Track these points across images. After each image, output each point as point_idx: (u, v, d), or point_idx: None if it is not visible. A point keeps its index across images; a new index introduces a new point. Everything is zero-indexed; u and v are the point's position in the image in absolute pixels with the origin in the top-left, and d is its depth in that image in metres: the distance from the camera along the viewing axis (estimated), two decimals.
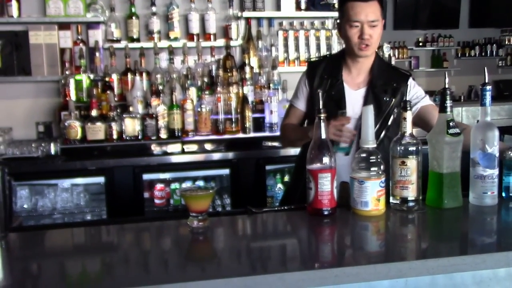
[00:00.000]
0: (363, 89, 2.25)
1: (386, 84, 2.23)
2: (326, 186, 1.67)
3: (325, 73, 2.27)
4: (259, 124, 3.62)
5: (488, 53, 8.02)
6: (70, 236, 1.75)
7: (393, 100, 2.22)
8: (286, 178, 3.65)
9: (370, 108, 1.73)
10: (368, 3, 2.09)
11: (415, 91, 2.28)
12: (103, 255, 1.53)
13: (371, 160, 1.69)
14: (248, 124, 3.55)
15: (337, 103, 2.21)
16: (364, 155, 1.71)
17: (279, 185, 3.60)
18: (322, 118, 1.69)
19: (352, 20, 2.10)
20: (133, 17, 3.67)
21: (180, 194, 1.64)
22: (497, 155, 1.76)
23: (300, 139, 2.25)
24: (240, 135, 3.55)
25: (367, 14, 2.08)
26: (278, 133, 3.54)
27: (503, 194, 1.81)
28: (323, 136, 1.69)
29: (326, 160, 1.68)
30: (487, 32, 8.02)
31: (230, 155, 3.41)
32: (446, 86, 1.75)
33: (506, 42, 8.12)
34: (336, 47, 3.94)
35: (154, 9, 3.69)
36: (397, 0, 7.58)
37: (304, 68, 3.84)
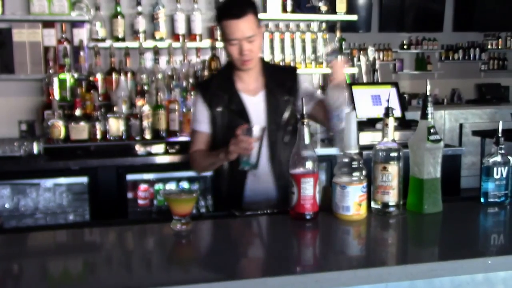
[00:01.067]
0: (261, 93, 2.27)
1: (279, 85, 2.27)
2: (309, 190, 1.69)
3: (219, 90, 2.26)
4: None
5: (471, 56, 8.11)
6: (51, 238, 1.74)
7: (290, 98, 2.27)
8: None
9: (353, 114, 1.75)
10: (242, 20, 2.07)
11: (305, 86, 2.33)
12: (84, 257, 1.53)
13: (353, 166, 1.71)
14: None
15: (239, 114, 2.22)
16: (346, 160, 1.72)
17: None
18: (304, 123, 1.71)
19: (230, 39, 2.11)
20: (119, 17, 3.65)
21: (164, 197, 1.65)
22: None
23: (214, 163, 2.22)
24: None
25: (242, 31, 2.08)
26: None
27: (482, 200, 1.85)
28: (306, 141, 1.71)
29: (309, 165, 1.70)
30: (470, 36, 8.11)
31: None
32: (428, 93, 1.77)
33: (489, 46, 8.22)
34: (322, 49, 3.96)
35: (139, 8, 3.68)
36: (382, 3, 7.63)
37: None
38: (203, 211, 3.42)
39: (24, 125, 3.68)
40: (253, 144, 1.97)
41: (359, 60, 4.25)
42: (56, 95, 3.50)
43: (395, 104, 3.80)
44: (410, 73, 8.11)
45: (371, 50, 4.27)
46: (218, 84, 2.29)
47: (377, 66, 4.19)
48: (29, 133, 3.66)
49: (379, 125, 3.57)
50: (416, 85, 7.87)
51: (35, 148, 3.32)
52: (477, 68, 8.25)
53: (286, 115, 2.26)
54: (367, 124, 3.59)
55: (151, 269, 1.42)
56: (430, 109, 1.77)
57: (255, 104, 2.25)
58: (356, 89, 3.78)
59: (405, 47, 8.05)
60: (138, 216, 3.40)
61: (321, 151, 3.55)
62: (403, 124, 3.60)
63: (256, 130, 1.99)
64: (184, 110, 3.46)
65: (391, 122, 1.75)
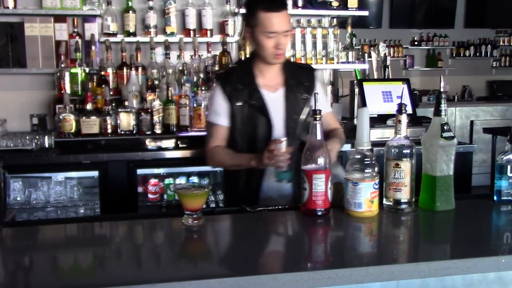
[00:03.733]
0: (281, 90, 2.28)
1: (299, 83, 2.29)
2: (321, 187, 1.68)
3: (239, 84, 2.25)
4: None
5: (483, 53, 8.05)
6: (62, 231, 1.75)
7: (308, 97, 2.28)
8: None
9: (366, 110, 1.75)
10: (282, 13, 2.10)
11: (319, 89, 2.33)
12: (95, 251, 1.54)
13: (365, 162, 1.70)
14: None
15: (259, 110, 2.23)
16: (358, 156, 1.72)
17: None
18: (317, 118, 1.71)
19: (268, 31, 2.10)
20: (130, 11, 3.65)
21: (175, 191, 1.66)
22: None
23: (240, 166, 2.20)
24: None
25: (282, 24, 2.11)
26: None
27: (495, 198, 1.84)
28: (318, 137, 1.70)
29: (321, 161, 1.69)
30: (482, 32, 8.05)
31: None
32: (442, 89, 1.76)
33: (501, 43, 8.16)
34: (332, 45, 3.94)
35: (151, 3, 3.68)
36: None
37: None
38: (213, 206, 3.42)
39: (35, 119, 3.70)
40: (287, 157, 1.98)
41: (370, 56, 4.23)
42: (68, 89, 3.52)
43: (406, 100, 3.78)
44: (421, 69, 8.06)
45: (382, 46, 4.24)
46: (238, 77, 2.27)
47: (388, 62, 4.17)
48: (40, 127, 3.68)
49: (390, 122, 3.56)
50: (427, 81, 7.82)
51: (47, 142, 3.33)
52: (489, 65, 8.19)
53: (304, 112, 2.27)
54: (377, 121, 3.58)
55: (161, 264, 1.43)
56: (443, 106, 1.76)
57: (275, 101, 2.25)
58: (367, 85, 3.77)
59: (416, 43, 8.00)
60: (148, 210, 3.41)
61: None
62: (414, 120, 3.58)
63: (289, 143, 2.01)
64: (194, 105, 3.46)
65: (404, 119, 1.74)
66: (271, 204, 2.02)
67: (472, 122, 6.64)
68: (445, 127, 1.73)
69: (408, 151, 1.73)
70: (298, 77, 2.31)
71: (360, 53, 4.41)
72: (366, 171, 1.69)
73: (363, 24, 6.68)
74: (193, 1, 3.74)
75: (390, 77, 4.17)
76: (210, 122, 2.32)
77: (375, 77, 4.14)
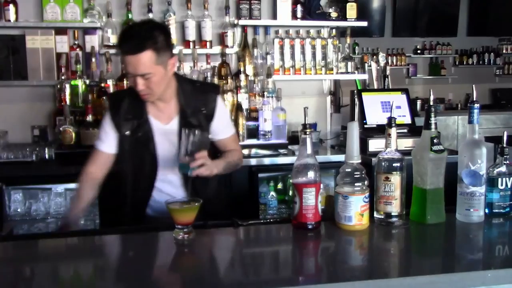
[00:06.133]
0: (175, 119, 2.18)
1: (196, 111, 2.17)
2: (311, 200, 1.69)
3: (128, 113, 2.17)
4: (252, 132, 3.64)
5: (486, 61, 8.06)
6: (55, 245, 1.77)
7: (206, 124, 2.21)
8: (280, 186, 3.68)
9: (355, 124, 1.76)
10: (137, 56, 1.96)
11: (220, 117, 2.25)
12: (86, 265, 1.55)
13: (355, 176, 1.71)
14: (242, 131, 3.57)
15: (144, 144, 2.17)
16: (348, 170, 1.73)
17: (272, 193, 3.62)
18: (307, 133, 1.72)
19: (126, 71, 2.05)
20: (130, 23, 3.68)
21: (166, 206, 1.67)
22: (483, 173, 1.78)
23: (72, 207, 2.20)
24: None
25: (135, 67, 1.99)
26: (272, 141, 3.60)
27: (486, 211, 1.83)
28: (309, 151, 1.71)
29: (311, 174, 1.70)
30: (485, 40, 8.06)
31: None
32: (431, 103, 1.77)
33: (504, 51, 8.16)
34: (332, 56, 3.96)
35: (150, 15, 3.71)
36: (396, 7, 7.61)
37: (298, 76, 3.89)
38: None
39: (37, 130, 3.73)
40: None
41: (370, 65, 4.25)
42: (68, 101, 3.55)
43: (405, 110, 3.79)
44: (424, 78, 8.07)
45: (381, 56, 4.25)
46: (130, 105, 2.18)
47: (387, 72, 4.18)
48: (41, 139, 3.71)
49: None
50: (429, 90, 7.82)
51: (47, 153, 3.36)
52: (492, 73, 8.19)
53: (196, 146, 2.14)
54: (376, 131, 3.58)
55: (150, 278, 1.44)
56: (433, 119, 1.77)
57: (166, 133, 2.18)
58: (365, 96, 3.78)
59: (418, 51, 8.01)
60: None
61: (330, 157, 3.56)
62: (413, 130, 3.58)
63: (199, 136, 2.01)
64: None
65: (394, 132, 1.75)
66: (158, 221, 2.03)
67: None
68: (435, 141, 1.74)
69: (398, 164, 1.73)
70: (196, 103, 2.19)
71: (360, 63, 4.43)
72: (356, 184, 1.70)
73: (365, 33, 6.71)
74: (192, 13, 3.77)
75: (390, 87, 4.18)
76: (94, 146, 2.28)
77: (375, 87, 4.16)
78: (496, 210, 1.83)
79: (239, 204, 3.45)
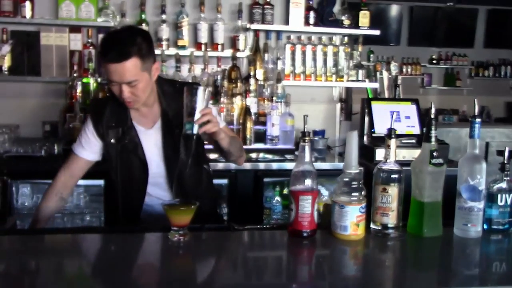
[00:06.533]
0: (158, 123, 2.17)
1: (178, 114, 2.04)
2: (307, 208, 1.69)
3: (112, 121, 2.15)
4: (260, 136, 3.65)
5: (502, 74, 7.98)
6: (50, 242, 1.80)
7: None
8: (285, 191, 3.68)
9: (354, 134, 1.76)
10: (122, 64, 1.92)
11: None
12: (71, 264, 1.58)
13: (352, 185, 1.71)
14: (249, 135, 3.58)
15: (132, 151, 2.15)
16: (346, 179, 1.73)
17: (277, 198, 3.63)
18: (306, 140, 1.72)
19: (109, 80, 1.99)
20: (143, 24, 3.72)
21: (162, 207, 1.68)
22: (482, 188, 1.77)
23: (38, 221, 2.15)
24: None
25: (121, 75, 1.94)
26: (279, 146, 3.61)
27: (485, 226, 1.82)
28: (307, 159, 1.72)
29: (308, 182, 1.71)
30: (502, 53, 7.98)
31: (229, 165, 3.44)
32: (432, 116, 1.77)
33: None
34: (343, 63, 3.96)
35: (164, 16, 3.75)
36: (412, 17, 7.58)
37: (308, 82, 3.89)
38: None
39: (48, 126, 3.78)
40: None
41: (381, 74, 4.23)
42: (78, 98, 3.59)
43: (414, 121, 3.77)
44: (438, 88, 8.01)
45: (393, 65, 4.25)
46: (112, 112, 2.16)
47: (399, 81, 4.16)
48: (52, 134, 3.75)
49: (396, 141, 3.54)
50: (444, 100, 7.77)
51: (56, 149, 3.40)
52: (508, 86, 8.11)
53: (182, 150, 2.17)
54: (384, 140, 3.55)
55: (143, 279, 1.45)
56: (433, 132, 1.76)
57: (151, 138, 2.17)
58: (375, 104, 3.77)
59: (434, 61, 7.96)
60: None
61: (337, 165, 3.55)
62: (422, 141, 3.55)
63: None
64: None
65: (393, 144, 1.75)
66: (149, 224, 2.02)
67: (487, 144, 6.56)
68: (434, 154, 1.74)
69: (396, 176, 1.73)
70: (178, 106, 2.07)
71: (372, 71, 4.42)
72: (353, 194, 1.70)
73: (381, 41, 6.67)
74: (205, 16, 3.79)
75: (401, 97, 4.16)
76: (72, 150, 2.24)
77: (386, 96, 4.14)
78: (495, 227, 1.81)
79: (243, 207, 3.48)
